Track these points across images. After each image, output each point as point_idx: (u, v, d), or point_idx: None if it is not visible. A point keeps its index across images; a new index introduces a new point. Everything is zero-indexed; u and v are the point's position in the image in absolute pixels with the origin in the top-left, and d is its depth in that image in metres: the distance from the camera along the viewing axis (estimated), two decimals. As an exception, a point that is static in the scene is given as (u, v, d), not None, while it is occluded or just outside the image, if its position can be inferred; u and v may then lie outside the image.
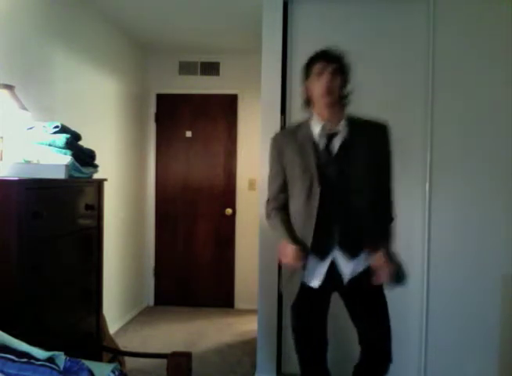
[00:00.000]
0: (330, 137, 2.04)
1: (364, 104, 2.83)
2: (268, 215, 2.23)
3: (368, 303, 2.11)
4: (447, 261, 2.98)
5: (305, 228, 2.05)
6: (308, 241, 2.03)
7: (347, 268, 2.03)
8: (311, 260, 2.05)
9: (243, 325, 4.35)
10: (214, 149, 4.90)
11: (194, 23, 3.93)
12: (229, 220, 4.90)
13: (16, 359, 1.35)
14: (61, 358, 1.43)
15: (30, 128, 2.36)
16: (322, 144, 2.05)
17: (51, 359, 1.40)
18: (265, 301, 3.07)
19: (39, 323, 1.96)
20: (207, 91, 4.85)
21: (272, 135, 3.02)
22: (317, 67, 2.03)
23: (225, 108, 4.88)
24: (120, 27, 4.08)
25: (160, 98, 4.93)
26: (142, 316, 4.60)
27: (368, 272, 2.02)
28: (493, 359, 2.96)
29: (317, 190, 2.01)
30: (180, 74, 4.88)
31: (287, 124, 3.06)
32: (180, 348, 3.63)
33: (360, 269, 2.05)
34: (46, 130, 2.31)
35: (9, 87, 2.34)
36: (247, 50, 4.47)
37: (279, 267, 2.33)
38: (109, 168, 3.79)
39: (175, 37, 4.37)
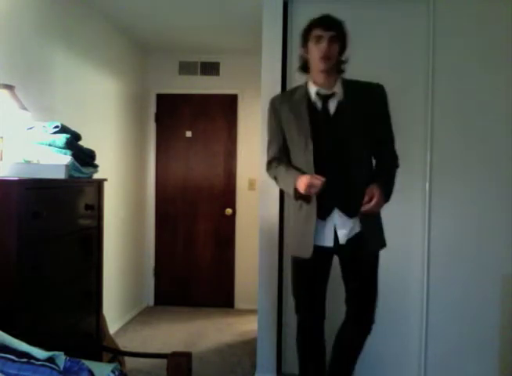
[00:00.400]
0: (326, 98, 2.12)
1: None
2: (268, 167, 2.30)
3: (359, 264, 2.23)
4: (447, 261, 2.98)
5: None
6: (314, 206, 2.10)
7: (345, 228, 2.13)
8: (318, 223, 2.12)
9: (243, 325, 4.35)
10: (214, 149, 4.90)
11: (194, 23, 3.93)
12: (229, 220, 4.90)
13: (16, 359, 1.35)
14: (61, 358, 1.43)
15: (30, 128, 2.36)
16: (319, 105, 2.13)
17: (51, 359, 1.40)
18: (265, 301, 3.07)
19: (39, 323, 1.96)
20: (207, 91, 4.85)
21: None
22: (315, 33, 2.09)
23: (225, 108, 4.88)
24: (120, 27, 4.08)
25: (160, 98, 4.93)
26: (142, 316, 4.60)
27: (363, 235, 2.14)
28: (493, 359, 2.96)
29: (310, 148, 2.09)
30: (180, 74, 4.88)
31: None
32: (180, 348, 3.63)
33: (357, 229, 2.14)
34: (46, 130, 2.31)
35: (9, 87, 2.34)
36: (247, 50, 4.47)
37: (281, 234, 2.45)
38: (109, 168, 3.79)
39: (175, 37, 4.37)
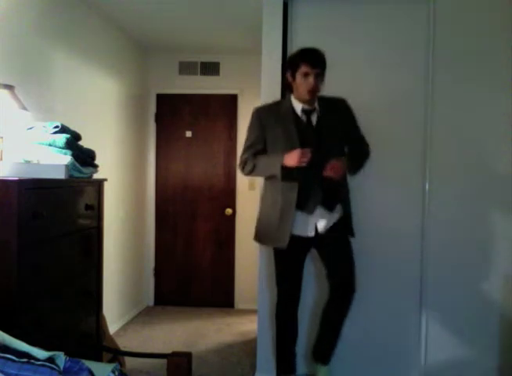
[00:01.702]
0: (309, 113, 2.55)
1: (364, 104, 2.84)
2: (243, 164, 2.66)
3: (337, 246, 2.60)
4: (447, 261, 2.98)
5: (291, 188, 2.48)
6: (294, 200, 2.47)
7: (325, 220, 2.53)
8: (299, 215, 2.50)
9: (243, 325, 4.35)
10: (214, 149, 4.90)
11: (194, 23, 3.93)
12: (229, 220, 4.90)
13: (16, 359, 1.35)
14: (61, 358, 1.43)
15: (30, 128, 2.36)
16: (304, 119, 2.55)
17: (51, 359, 1.40)
18: (265, 301, 3.07)
19: (39, 323, 1.96)
20: (207, 91, 4.85)
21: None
22: (304, 70, 2.45)
23: (225, 108, 4.88)
24: (120, 27, 4.08)
25: (160, 98, 4.93)
26: (142, 316, 4.60)
27: (339, 223, 2.56)
28: (493, 359, 2.96)
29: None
30: (180, 74, 4.88)
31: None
32: (180, 348, 3.63)
33: (335, 220, 2.56)
34: (46, 130, 2.31)
35: (9, 87, 2.34)
36: (247, 50, 4.47)
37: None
38: (109, 168, 3.79)
39: (175, 37, 4.38)
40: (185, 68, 4.87)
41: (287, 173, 2.45)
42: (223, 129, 4.89)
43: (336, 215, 2.56)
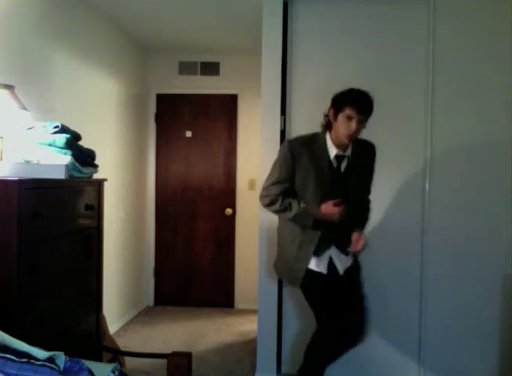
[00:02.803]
0: (341, 160, 2.46)
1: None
2: (270, 200, 2.49)
3: (354, 289, 2.62)
4: (447, 261, 2.98)
5: (314, 232, 2.45)
6: (314, 242, 2.45)
7: (342, 262, 2.52)
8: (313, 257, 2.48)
9: (243, 325, 4.35)
10: (214, 149, 4.90)
11: (194, 23, 3.93)
12: (229, 220, 4.90)
13: (16, 359, 1.35)
14: (61, 358, 1.43)
15: (30, 128, 2.36)
16: (334, 164, 2.46)
17: (51, 359, 1.40)
18: (264, 301, 3.07)
19: (39, 323, 1.96)
20: (207, 91, 4.85)
21: (272, 135, 3.05)
22: (348, 113, 2.33)
23: (225, 108, 4.88)
24: (120, 27, 4.08)
25: (160, 98, 4.93)
26: (142, 316, 4.60)
27: (354, 266, 2.60)
28: (493, 359, 2.96)
29: (321, 196, 2.41)
30: (180, 74, 4.88)
31: (287, 125, 3.07)
32: (180, 348, 3.63)
33: (350, 262, 2.56)
34: (46, 130, 2.31)
35: (9, 87, 2.34)
36: (247, 50, 4.47)
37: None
38: (109, 168, 3.79)
39: (175, 37, 4.37)
40: (185, 68, 4.87)
41: (316, 225, 2.43)
42: (223, 129, 4.89)
43: (351, 257, 2.57)
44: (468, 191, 2.97)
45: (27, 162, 2.25)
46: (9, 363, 1.33)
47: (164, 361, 2.31)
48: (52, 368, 1.36)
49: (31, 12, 2.81)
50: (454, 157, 2.98)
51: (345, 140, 2.38)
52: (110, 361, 2.71)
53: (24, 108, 2.38)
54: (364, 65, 3.04)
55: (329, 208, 2.38)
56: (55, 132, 2.29)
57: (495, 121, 2.94)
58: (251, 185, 4.82)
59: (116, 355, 2.81)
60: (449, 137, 2.97)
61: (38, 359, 1.38)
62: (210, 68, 4.86)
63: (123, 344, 3.65)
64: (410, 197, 2.99)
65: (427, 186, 2.98)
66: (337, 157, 2.45)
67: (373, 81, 2.99)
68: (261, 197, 2.54)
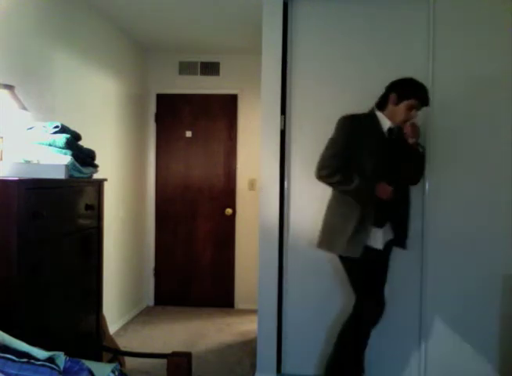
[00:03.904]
0: (391, 132, 2.63)
1: (364, 103, 2.83)
2: (329, 171, 2.57)
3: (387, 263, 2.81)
4: (447, 261, 2.98)
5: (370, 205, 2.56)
6: (372, 215, 2.55)
7: (386, 236, 2.65)
8: (372, 228, 2.58)
9: (243, 325, 4.35)
10: (214, 149, 4.90)
11: (194, 23, 3.93)
12: (229, 220, 4.90)
13: (16, 359, 1.35)
14: (61, 358, 1.43)
15: (30, 128, 2.36)
16: (386, 135, 2.63)
17: (51, 359, 1.40)
18: (265, 301, 3.07)
19: (39, 323, 1.96)
20: (207, 91, 4.85)
21: (272, 135, 3.05)
22: (412, 103, 2.53)
23: (225, 108, 4.88)
24: (120, 27, 4.08)
25: (160, 98, 4.93)
26: (142, 316, 4.60)
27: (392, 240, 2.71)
28: (493, 359, 2.96)
29: (379, 171, 2.55)
30: (180, 74, 4.88)
31: (287, 125, 3.06)
32: (180, 348, 3.63)
33: (391, 236, 2.69)
34: (46, 130, 2.31)
35: (9, 87, 2.34)
36: (247, 50, 4.47)
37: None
38: (109, 168, 3.79)
39: (175, 38, 4.37)
40: (185, 68, 4.87)
41: (372, 199, 2.55)
42: (223, 129, 4.89)
43: (391, 232, 2.70)
44: (468, 190, 2.97)
45: (27, 162, 2.25)
46: (9, 363, 1.33)
47: (164, 361, 2.30)
48: (52, 368, 1.36)
49: (31, 12, 2.81)
50: (454, 157, 2.98)
51: (399, 123, 2.58)
52: (110, 361, 2.71)
53: (24, 108, 2.37)
54: (364, 65, 3.04)
55: (385, 190, 2.51)
56: (55, 132, 2.29)
57: (495, 118, 2.95)
58: (251, 185, 4.82)
59: (116, 355, 2.81)
60: (450, 136, 2.97)
61: (38, 359, 1.38)
62: (210, 68, 4.86)
63: (123, 344, 3.65)
64: (411, 196, 2.98)
65: (427, 186, 2.98)
66: (390, 129, 2.62)
67: (373, 81, 3.00)
68: (319, 169, 2.60)
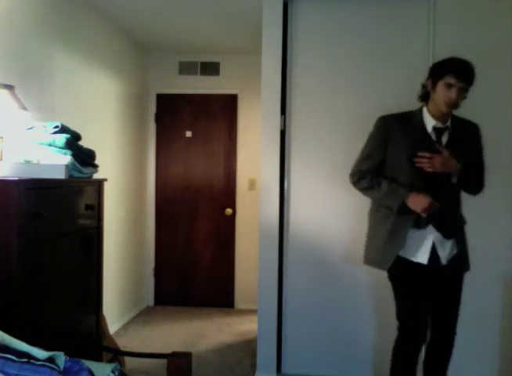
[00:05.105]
0: (440, 132, 2.32)
1: (364, 103, 2.84)
2: (360, 178, 2.40)
3: (457, 288, 2.41)
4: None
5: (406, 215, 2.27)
6: (407, 226, 2.27)
7: (445, 248, 2.29)
8: (413, 235, 2.28)
9: (243, 325, 4.35)
10: (214, 149, 4.90)
11: (194, 23, 3.93)
12: (229, 220, 4.90)
13: (16, 359, 1.35)
14: (61, 358, 1.43)
15: (30, 128, 2.36)
16: (433, 137, 2.31)
17: (51, 359, 1.40)
18: (265, 301, 3.07)
19: (39, 323, 1.96)
20: (207, 91, 4.85)
21: (272, 135, 3.05)
22: (448, 80, 2.22)
23: (225, 108, 4.88)
24: (120, 27, 4.08)
25: (160, 98, 4.93)
26: (142, 316, 4.60)
27: (461, 256, 2.34)
28: (493, 359, 2.96)
29: (423, 176, 2.26)
30: (180, 74, 4.88)
31: (287, 125, 3.06)
32: (180, 348, 3.63)
33: (454, 251, 2.32)
34: (46, 130, 2.31)
35: (9, 87, 2.34)
36: (247, 50, 4.47)
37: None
38: (109, 168, 3.79)
39: (175, 38, 4.37)
40: (185, 68, 4.87)
41: (404, 209, 2.26)
42: (223, 129, 4.89)
43: (456, 245, 2.34)
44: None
45: (27, 162, 2.25)
46: (9, 363, 1.33)
47: (164, 361, 2.30)
48: (52, 368, 1.36)
49: (32, 12, 2.81)
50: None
51: (444, 109, 2.25)
52: (110, 361, 2.71)
53: (24, 108, 2.37)
54: (364, 65, 3.04)
55: (419, 201, 2.20)
56: (55, 132, 2.29)
57: (495, 118, 2.94)
58: (251, 185, 4.82)
59: (116, 355, 2.81)
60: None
61: (38, 359, 1.38)
62: (210, 68, 4.86)
63: (123, 344, 3.65)
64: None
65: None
66: (435, 129, 2.31)
67: (374, 81, 3.00)
68: (351, 175, 2.45)
